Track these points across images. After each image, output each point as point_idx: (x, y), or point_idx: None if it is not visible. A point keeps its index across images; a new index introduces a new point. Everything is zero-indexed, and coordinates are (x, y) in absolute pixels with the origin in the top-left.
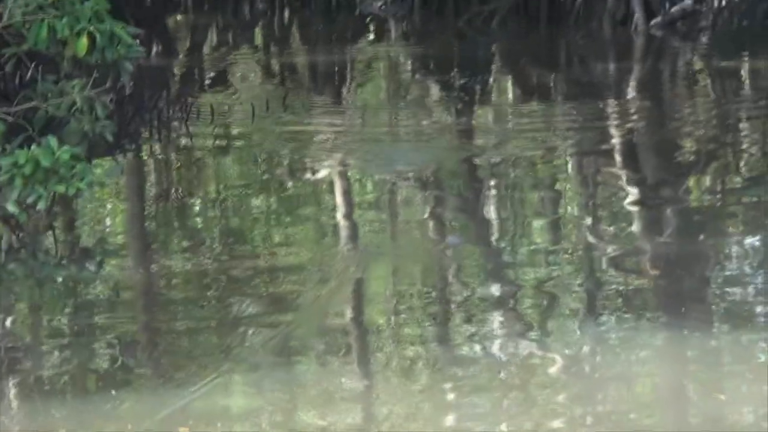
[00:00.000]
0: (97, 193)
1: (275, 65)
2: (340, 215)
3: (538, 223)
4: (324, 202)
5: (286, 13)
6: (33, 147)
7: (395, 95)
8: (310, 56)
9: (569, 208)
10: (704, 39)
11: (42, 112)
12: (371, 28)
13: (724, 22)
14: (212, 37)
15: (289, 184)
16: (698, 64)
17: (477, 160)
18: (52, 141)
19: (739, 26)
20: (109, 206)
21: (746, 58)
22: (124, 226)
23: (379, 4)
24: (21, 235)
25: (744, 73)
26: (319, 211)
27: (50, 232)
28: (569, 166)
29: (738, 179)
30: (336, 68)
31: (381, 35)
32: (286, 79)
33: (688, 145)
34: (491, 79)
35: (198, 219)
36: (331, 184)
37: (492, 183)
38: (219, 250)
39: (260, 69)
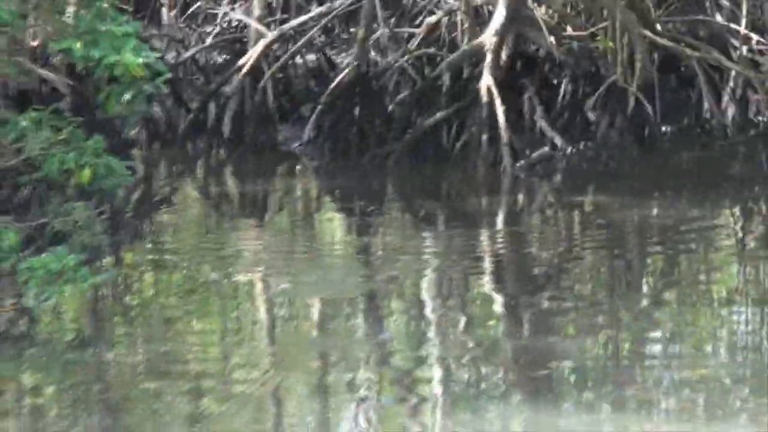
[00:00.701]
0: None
1: (211, 192)
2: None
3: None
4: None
5: (222, 151)
6: (44, 255)
7: (306, 219)
8: (239, 185)
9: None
10: (558, 178)
11: (51, 227)
12: (290, 164)
13: (574, 165)
14: (161, 167)
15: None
16: (550, 197)
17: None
18: (61, 250)
19: (585, 168)
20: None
21: (589, 194)
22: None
23: (296, 144)
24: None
25: (586, 204)
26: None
27: (57, 322)
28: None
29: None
30: (259, 195)
31: (296, 170)
32: (221, 203)
33: (540, 260)
34: (385, 207)
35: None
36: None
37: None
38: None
39: (199, 194)
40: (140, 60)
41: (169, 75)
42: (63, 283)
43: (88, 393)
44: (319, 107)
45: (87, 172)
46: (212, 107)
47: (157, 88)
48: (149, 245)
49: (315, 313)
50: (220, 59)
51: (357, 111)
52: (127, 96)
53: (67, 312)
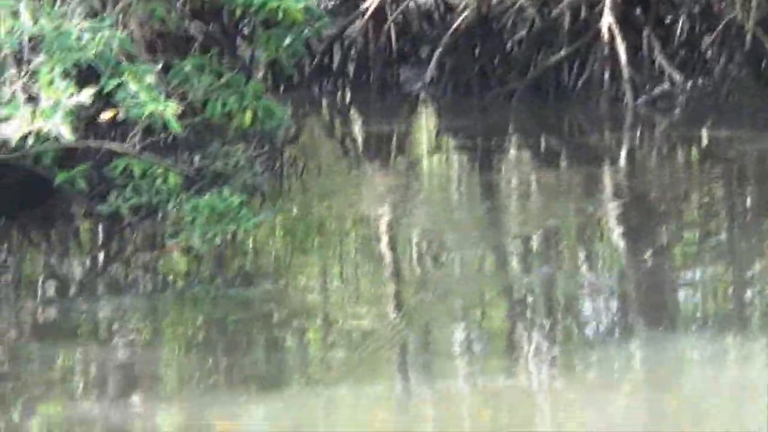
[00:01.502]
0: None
1: (339, 132)
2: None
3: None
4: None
5: (347, 93)
6: (207, 196)
7: (430, 156)
8: (365, 125)
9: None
10: (678, 113)
11: (212, 168)
12: (413, 104)
13: (694, 101)
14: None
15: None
16: (671, 132)
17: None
18: (226, 190)
19: (704, 103)
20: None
21: (709, 128)
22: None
23: (418, 85)
24: (201, 262)
25: (706, 138)
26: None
27: (222, 261)
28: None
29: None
30: (384, 134)
31: (420, 110)
32: (346, 141)
33: (662, 194)
34: (510, 144)
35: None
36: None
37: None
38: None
39: (326, 133)
40: (300, 5)
41: (326, 20)
42: (227, 223)
43: (249, 330)
44: (440, 49)
45: (248, 115)
46: (337, 50)
47: (316, 32)
48: (297, 185)
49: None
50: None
51: (477, 51)
52: (287, 40)
53: (230, 251)
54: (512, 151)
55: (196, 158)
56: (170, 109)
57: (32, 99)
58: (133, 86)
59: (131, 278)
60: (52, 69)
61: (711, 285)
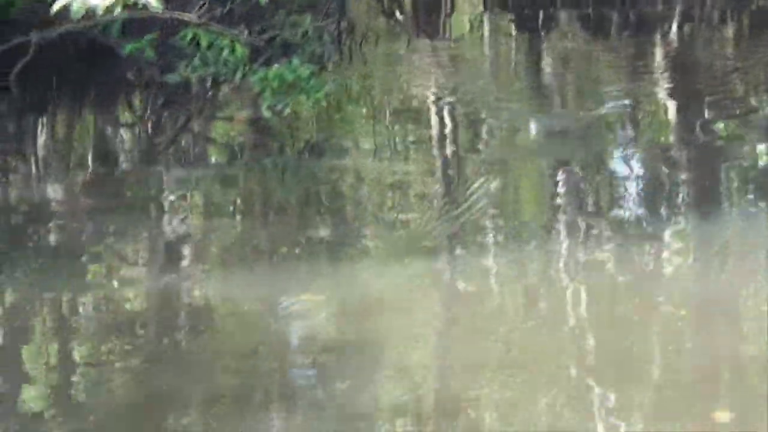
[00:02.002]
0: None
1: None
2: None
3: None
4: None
5: None
6: (276, 66)
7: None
8: None
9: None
10: None
11: (280, 38)
12: None
13: None
14: None
15: None
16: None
17: None
18: (295, 60)
19: None
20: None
21: None
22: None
23: None
24: (269, 132)
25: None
26: None
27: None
28: None
29: None
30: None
31: None
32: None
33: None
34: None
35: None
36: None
37: None
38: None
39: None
40: None
41: None
42: (297, 94)
43: (318, 199)
44: None
45: None
46: None
47: None
48: (358, 56)
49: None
50: None
51: None
52: None
53: (299, 120)
54: (562, 20)
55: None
56: None
57: None
58: None
59: (200, 149)
60: None
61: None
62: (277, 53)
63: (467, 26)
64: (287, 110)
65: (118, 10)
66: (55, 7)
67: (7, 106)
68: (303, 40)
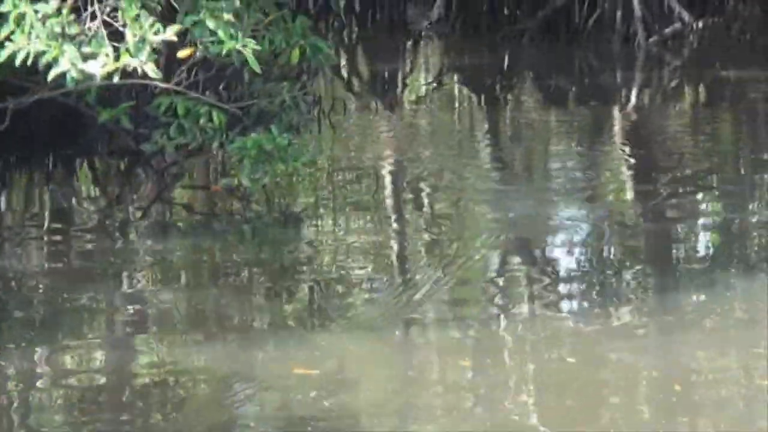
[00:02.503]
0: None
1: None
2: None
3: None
4: None
5: (355, 30)
6: (254, 135)
7: (436, 95)
8: (370, 63)
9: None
10: (687, 53)
11: (256, 107)
12: (420, 43)
13: (705, 40)
14: None
15: None
16: (684, 71)
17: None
18: (274, 129)
19: (714, 44)
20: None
21: (716, 68)
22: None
23: (426, 23)
24: (248, 202)
25: (710, 78)
26: None
27: (268, 200)
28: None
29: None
30: (391, 71)
31: (427, 49)
32: (352, 79)
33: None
34: (518, 83)
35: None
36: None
37: None
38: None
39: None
40: None
41: None
42: (275, 163)
43: (294, 269)
44: None
45: (296, 52)
46: None
47: None
48: (326, 126)
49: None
50: None
51: None
52: None
53: (277, 190)
54: (521, 90)
55: (240, 96)
56: (250, 48)
57: (113, 35)
58: (211, 23)
59: (174, 218)
60: (138, 5)
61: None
62: (253, 122)
63: (424, 92)
64: (266, 179)
65: (116, 78)
66: (52, 75)
67: None
68: (280, 109)
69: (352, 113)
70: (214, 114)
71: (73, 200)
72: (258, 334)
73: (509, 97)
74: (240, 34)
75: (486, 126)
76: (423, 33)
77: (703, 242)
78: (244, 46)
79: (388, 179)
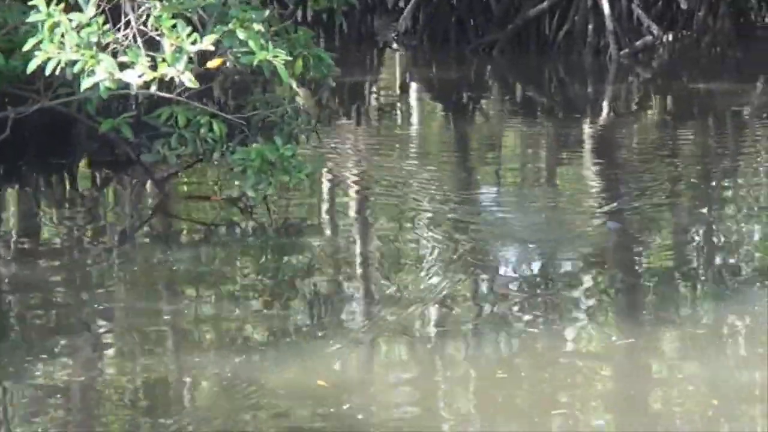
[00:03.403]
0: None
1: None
2: None
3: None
4: None
5: (321, 43)
6: (256, 145)
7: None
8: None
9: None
10: (657, 65)
11: (257, 117)
12: (387, 55)
13: (675, 53)
14: None
15: None
16: (654, 84)
17: None
18: (278, 140)
19: (684, 57)
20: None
21: (685, 79)
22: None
23: (393, 35)
24: (251, 212)
25: (681, 89)
26: None
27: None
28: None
29: None
30: (359, 83)
31: (395, 61)
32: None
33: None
34: (485, 94)
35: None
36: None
37: None
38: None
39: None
40: None
41: None
42: (279, 174)
43: (299, 279)
44: None
45: (299, 63)
46: None
47: None
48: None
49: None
50: None
51: (455, 2)
52: None
53: (280, 200)
54: (491, 103)
55: (239, 107)
56: (281, 59)
57: (147, 44)
58: (242, 34)
59: (174, 229)
60: (172, 14)
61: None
62: (254, 132)
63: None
64: (269, 190)
65: (153, 88)
66: (85, 85)
67: None
68: (281, 120)
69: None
70: (215, 124)
71: (69, 210)
72: (256, 345)
73: (476, 107)
74: (270, 45)
75: (451, 135)
76: (391, 45)
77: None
78: (275, 56)
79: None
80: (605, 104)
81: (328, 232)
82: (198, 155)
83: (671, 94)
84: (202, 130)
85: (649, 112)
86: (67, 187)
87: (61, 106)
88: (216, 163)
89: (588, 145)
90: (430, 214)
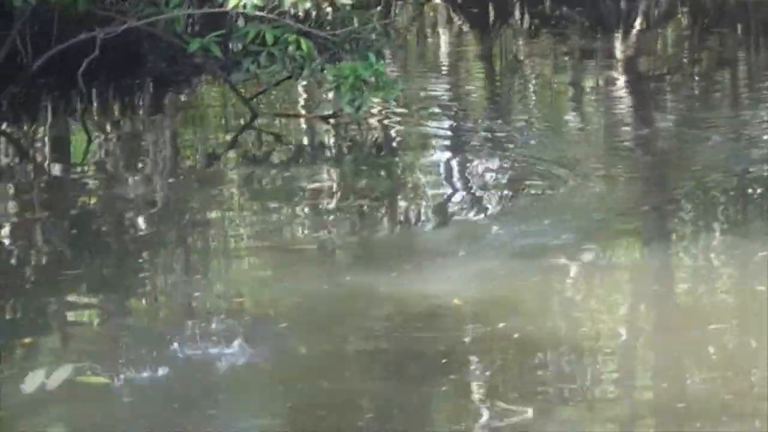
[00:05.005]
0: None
1: None
2: None
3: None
4: None
5: None
6: (347, 62)
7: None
8: None
9: None
10: None
11: (346, 33)
12: None
13: None
14: None
15: None
16: None
17: None
18: (372, 57)
19: None
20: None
21: None
22: None
23: None
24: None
25: None
26: None
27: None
28: None
29: None
30: None
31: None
32: None
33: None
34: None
35: None
36: None
37: None
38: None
39: None
40: None
41: None
42: (372, 90)
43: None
44: None
45: None
46: None
47: None
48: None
49: None
50: None
51: None
52: None
53: (372, 117)
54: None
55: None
56: None
57: None
58: None
59: (266, 146)
60: None
61: None
62: (341, 49)
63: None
64: (363, 106)
65: (307, 4)
66: (231, 3)
67: (78, 103)
68: (370, 37)
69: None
70: (302, 42)
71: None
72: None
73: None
74: None
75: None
76: None
77: None
78: None
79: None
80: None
81: (425, 149)
82: (287, 73)
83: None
84: (290, 48)
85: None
86: (144, 106)
87: (148, 26)
88: (305, 80)
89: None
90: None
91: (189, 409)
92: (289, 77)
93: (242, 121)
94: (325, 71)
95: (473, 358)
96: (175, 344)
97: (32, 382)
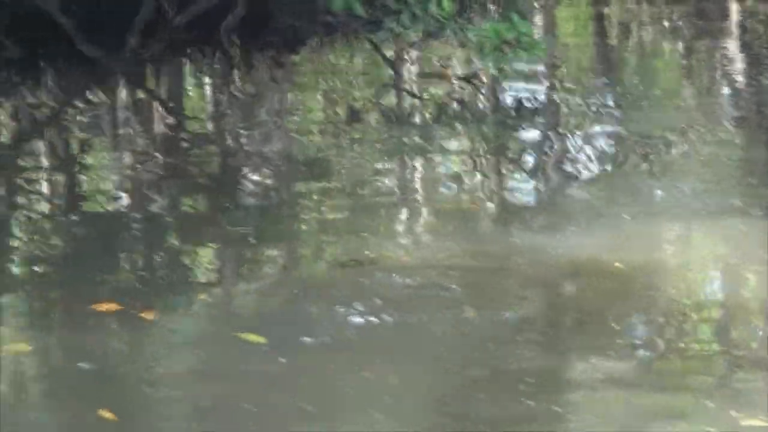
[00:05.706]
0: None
1: None
2: None
3: None
4: None
5: None
6: (490, 22)
7: None
8: None
9: None
10: None
11: None
12: None
13: None
14: None
15: None
16: None
17: None
18: (515, 16)
19: None
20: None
21: None
22: None
23: None
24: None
25: None
26: None
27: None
28: None
29: None
30: None
31: None
32: None
33: None
34: None
35: None
36: None
37: None
38: None
39: None
40: None
41: None
42: (516, 51)
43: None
44: None
45: None
46: None
47: None
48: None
49: None
50: None
51: None
52: None
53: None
54: None
55: None
56: None
57: None
58: None
59: (408, 106)
60: None
61: None
62: (483, 9)
63: None
64: (507, 67)
65: None
66: None
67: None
68: None
69: None
70: (444, 1)
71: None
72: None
73: None
74: None
75: None
76: None
77: None
78: None
79: None
80: None
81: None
82: (429, 32)
83: None
84: (432, 7)
85: None
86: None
87: None
88: (447, 40)
89: None
90: None
91: None
92: (430, 36)
93: (383, 82)
94: (466, 32)
95: None
96: None
97: None
